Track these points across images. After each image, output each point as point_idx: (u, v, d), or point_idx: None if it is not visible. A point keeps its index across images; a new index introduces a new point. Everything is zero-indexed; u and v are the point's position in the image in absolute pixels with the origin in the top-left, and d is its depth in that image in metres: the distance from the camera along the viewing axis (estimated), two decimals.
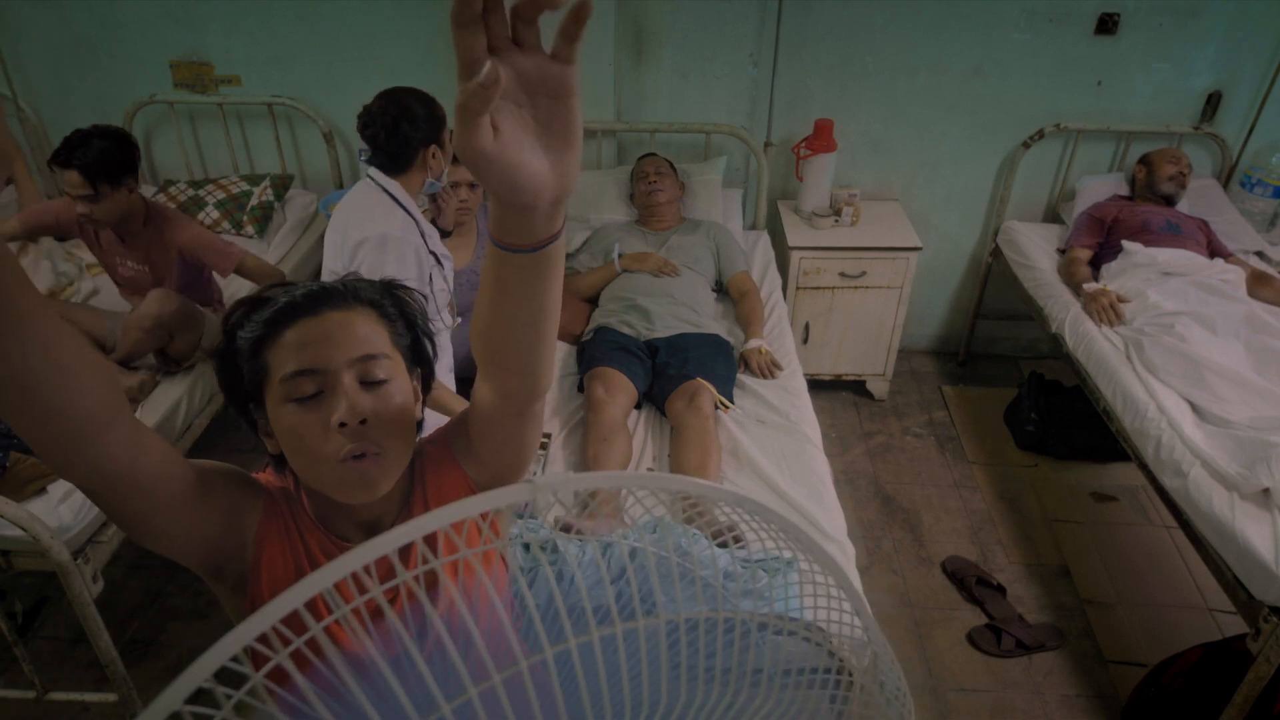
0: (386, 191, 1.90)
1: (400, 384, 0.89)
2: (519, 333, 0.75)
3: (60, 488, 1.89)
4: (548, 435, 2.23)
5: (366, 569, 0.43)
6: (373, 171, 1.93)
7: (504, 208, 0.62)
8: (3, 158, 0.60)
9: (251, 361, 0.86)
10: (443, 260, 2.00)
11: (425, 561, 0.47)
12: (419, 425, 0.95)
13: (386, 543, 0.42)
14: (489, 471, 0.96)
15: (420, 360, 0.96)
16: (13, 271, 0.56)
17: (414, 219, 1.91)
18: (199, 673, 0.39)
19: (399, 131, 1.87)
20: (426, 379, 0.98)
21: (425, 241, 1.92)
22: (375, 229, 1.83)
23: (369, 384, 0.86)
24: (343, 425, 0.82)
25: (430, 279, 1.92)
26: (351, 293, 0.90)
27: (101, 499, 0.74)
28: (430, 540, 0.88)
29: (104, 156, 2.10)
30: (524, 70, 0.54)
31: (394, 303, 0.94)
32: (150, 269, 2.40)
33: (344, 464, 0.83)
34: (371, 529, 0.94)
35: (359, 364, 0.85)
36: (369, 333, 0.87)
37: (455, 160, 2.44)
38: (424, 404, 0.97)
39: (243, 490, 0.90)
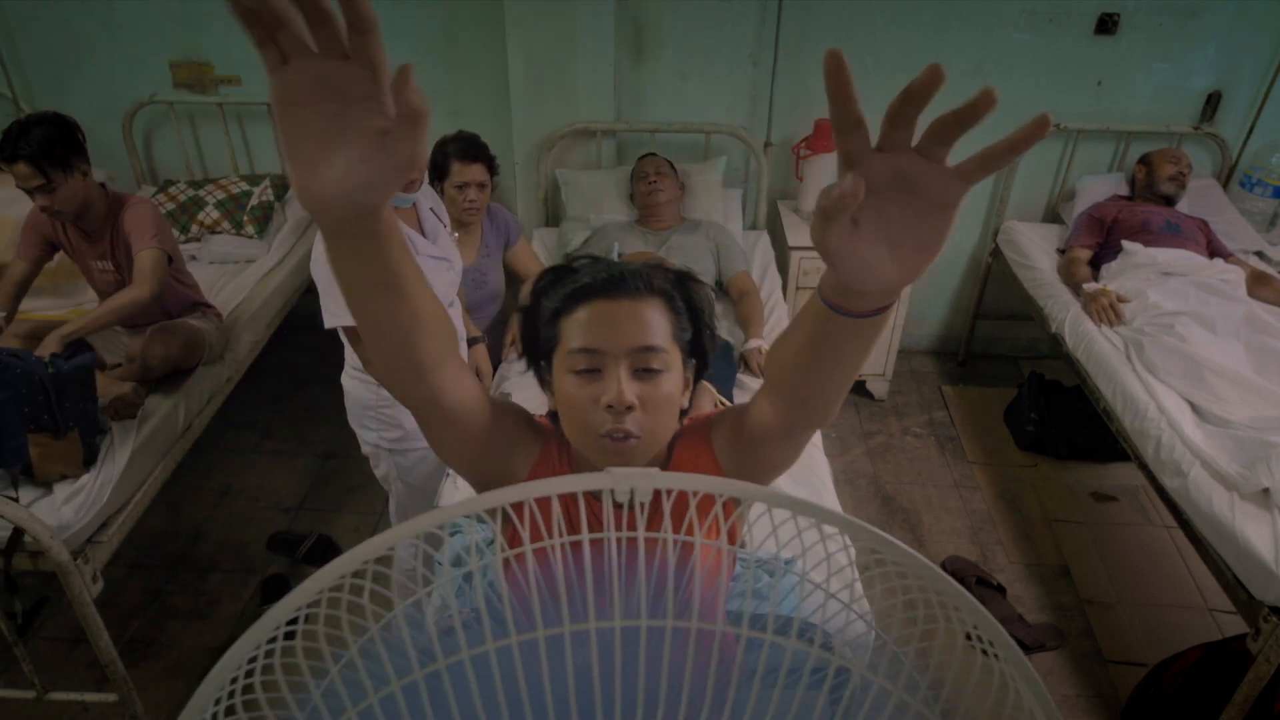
0: None
1: (672, 376, 0.94)
2: (825, 379, 0.78)
3: (63, 488, 1.88)
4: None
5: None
6: None
7: (843, 286, 0.64)
8: (411, 161, 0.54)
9: (548, 327, 0.97)
10: (436, 261, 1.92)
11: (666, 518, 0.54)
12: (684, 412, 1.01)
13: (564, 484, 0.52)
14: (743, 469, 1.00)
15: (697, 353, 1.01)
16: (400, 245, 0.67)
17: None
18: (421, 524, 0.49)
19: None
20: (700, 369, 1.03)
21: None
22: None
23: (642, 372, 0.91)
24: (609, 407, 0.89)
25: None
26: (645, 281, 0.95)
27: (423, 420, 0.90)
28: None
29: (48, 142, 2.00)
30: (906, 171, 0.54)
31: (684, 296, 0.99)
32: (115, 267, 2.28)
33: (603, 438, 0.90)
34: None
35: (636, 354, 0.91)
36: (653, 323, 0.93)
37: (462, 159, 2.41)
38: (693, 393, 1.02)
39: (526, 429, 1.02)
